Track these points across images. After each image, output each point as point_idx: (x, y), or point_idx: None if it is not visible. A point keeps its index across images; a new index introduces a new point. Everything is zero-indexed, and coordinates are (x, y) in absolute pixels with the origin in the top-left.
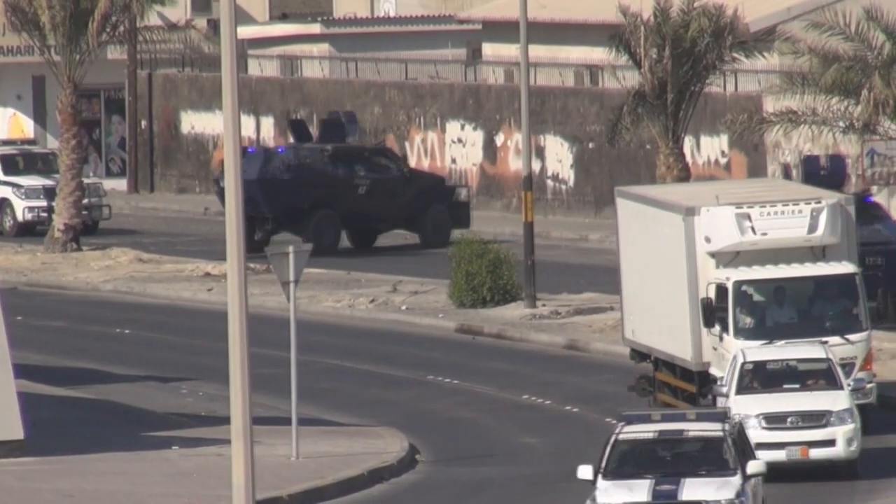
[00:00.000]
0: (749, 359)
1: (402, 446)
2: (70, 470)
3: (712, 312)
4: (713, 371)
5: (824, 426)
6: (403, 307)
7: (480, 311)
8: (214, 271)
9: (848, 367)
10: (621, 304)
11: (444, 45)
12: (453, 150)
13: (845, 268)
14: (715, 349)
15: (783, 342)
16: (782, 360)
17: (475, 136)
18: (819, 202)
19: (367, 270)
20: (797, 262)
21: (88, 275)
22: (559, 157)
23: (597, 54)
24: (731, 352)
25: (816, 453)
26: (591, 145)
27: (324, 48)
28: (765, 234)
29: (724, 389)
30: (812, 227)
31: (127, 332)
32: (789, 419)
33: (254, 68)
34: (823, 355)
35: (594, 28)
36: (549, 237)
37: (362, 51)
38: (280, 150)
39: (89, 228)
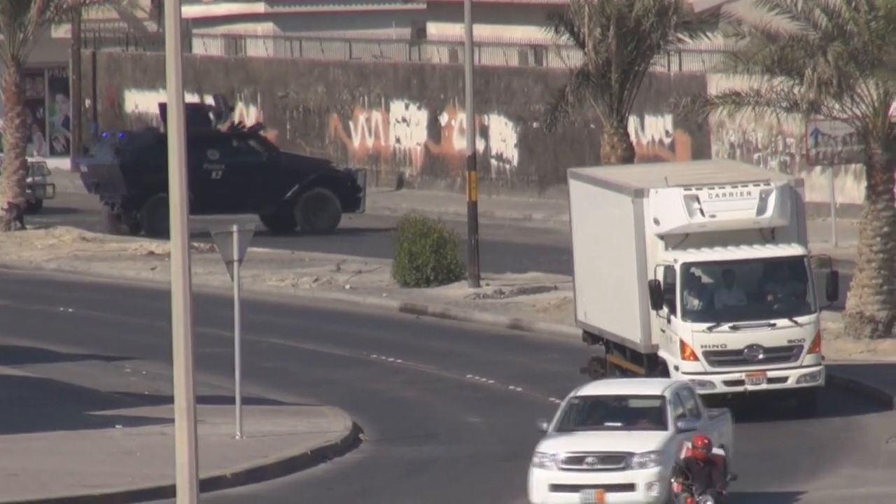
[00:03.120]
0: (579, 394)
1: (345, 425)
2: (13, 448)
3: (660, 295)
4: (662, 354)
5: (623, 469)
6: (347, 286)
7: (424, 291)
8: (158, 250)
9: (797, 349)
10: (573, 286)
11: (388, 24)
12: (397, 129)
13: (794, 250)
14: (663, 332)
15: (729, 325)
16: (611, 396)
17: (419, 116)
18: (768, 184)
19: (311, 250)
20: (746, 245)
21: (32, 253)
22: (503, 136)
23: (541, 34)
24: (680, 334)
25: (614, 498)
26: (535, 125)
27: (268, 27)
28: (713, 215)
29: (545, 426)
30: (761, 209)
31: (70, 310)
32: (587, 460)
33: (198, 47)
34: (658, 392)
35: (538, 8)
36: (494, 217)
37: (307, 30)
38: (121, 135)
39: (33, 207)
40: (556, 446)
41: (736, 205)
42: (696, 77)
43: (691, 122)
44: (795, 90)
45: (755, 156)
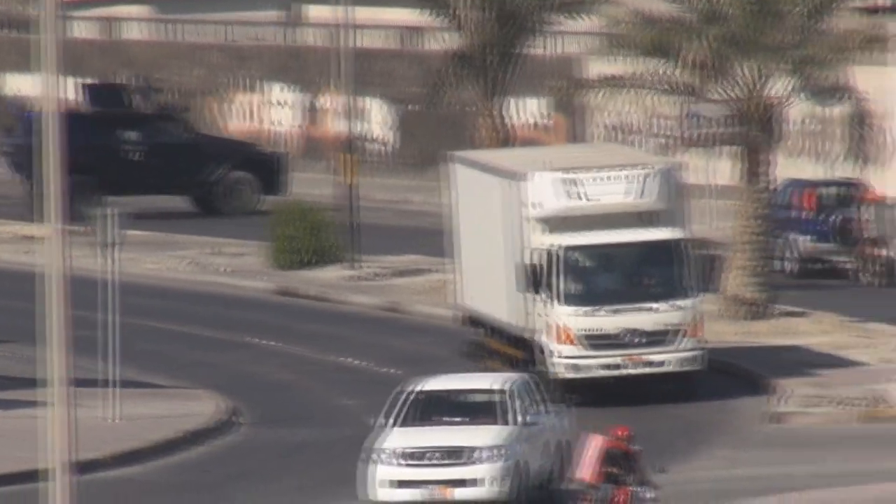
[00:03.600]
0: (418, 388)
1: (221, 408)
2: None
3: (538, 278)
4: (540, 338)
5: (466, 463)
6: (224, 269)
7: (301, 273)
8: (34, 233)
9: (675, 333)
10: (456, 270)
11: (265, 6)
12: (274, 112)
13: (673, 233)
14: (542, 315)
15: (608, 309)
16: (453, 391)
17: (296, 98)
18: (647, 168)
19: (188, 233)
20: (625, 228)
21: None
22: (381, 119)
23: (419, 16)
24: (558, 318)
25: (459, 493)
26: (412, 108)
27: (144, 10)
28: (593, 199)
29: (383, 421)
30: (640, 193)
31: None
32: (429, 455)
33: (76, 30)
34: (499, 387)
35: None
36: (371, 199)
37: (184, 13)
38: (28, 114)
39: None
40: (397, 441)
41: (615, 188)
42: (574, 59)
43: (568, 104)
44: (672, 72)
45: (632, 138)
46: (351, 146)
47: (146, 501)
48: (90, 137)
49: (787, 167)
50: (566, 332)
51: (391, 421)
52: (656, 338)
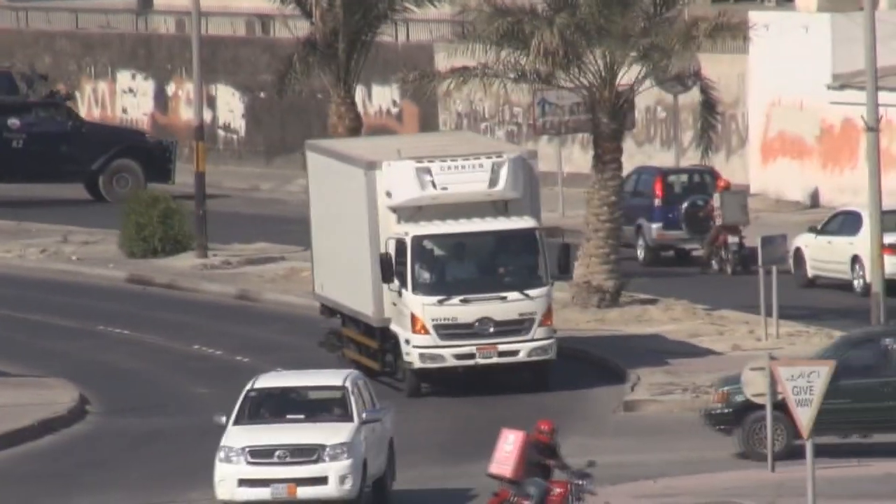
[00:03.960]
0: (256, 385)
1: (72, 397)
2: None
3: (391, 268)
4: (394, 327)
5: (315, 462)
6: (74, 257)
7: (151, 262)
8: None
9: (528, 323)
10: (311, 259)
11: None
12: (124, 99)
13: (526, 222)
14: (395, 305)
15: (460, 298)
16: (292, 388)
17: (146, 86)
18: (500, 156)
19: (38, 220)
20: (478, 217)
21: None
22: (230, 106)
23: (268, 4)
24: (410, 307)
25: (305, 492)
26: (262, 95)
27: None
28: (445, 188)
29: (223, 419)
30: (493, 182)
31: None
32: (277, 453)
33: None
34: (339, 383)
35: None
36: (221, 187)
37: (34, 0)
38: None
39: None
40: (242, 439)
41: (468, 177)
42: (424, 47)
43: (418, 92)
44: (523, 60)
45: (482, 125)
46: (201, 134)
47: None
48: None
49: (638, 155)
50: (419, 321)
51: (233, 418)
52: (509, 327)
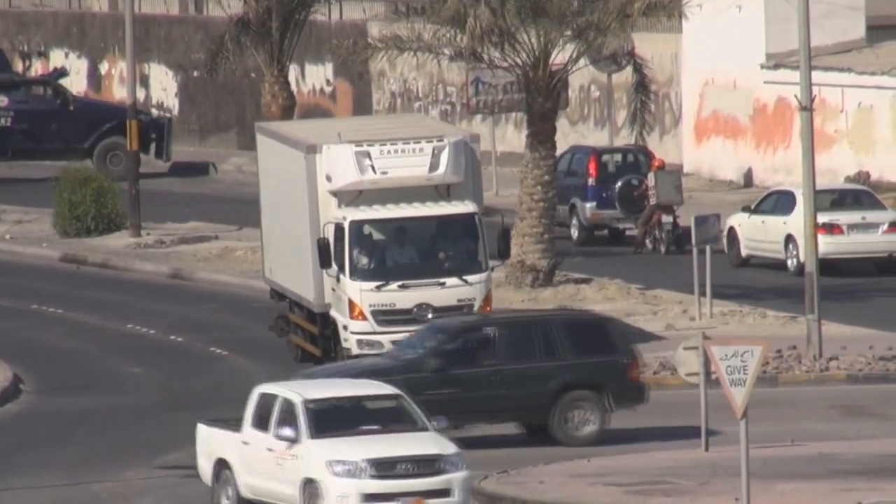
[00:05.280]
0: (311, 396)
1: (5, 376)
2: None
3: (329, 253)
4: (333, 313)
5: (437, 473)
6: (7, 236)
7: (85, 241)
8: None
9: (467, 308)
10: (261, 242)
11: None
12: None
13: (465, 207)
14: (334, 291)
15: (398, 284)
16: (347, 398)
17: (80, 65)
18: (441, 140)
19: None
20: (419, 202)
21: None
22: (164, 85)
23: None
24: (348, 293)
25: None
26: (195, 74)
27: None
28: (385, 172)
29: (290, 433)
30: (433, 166)
31: None
32: (400, 466)
33: None
34: (391, 392)
35: None
36: (154, 165)
37: None
38: None
39: None
40: (355, 452)
41: (408, 161)
42: (358, 25)
43: (352, 71)
44: (458, 38)
45: (416, 104)
46: (134, 113)
47: None
48: None
49: (572, 134)
50: (356, 307)
51: (304, 431)
52: (448, 313)
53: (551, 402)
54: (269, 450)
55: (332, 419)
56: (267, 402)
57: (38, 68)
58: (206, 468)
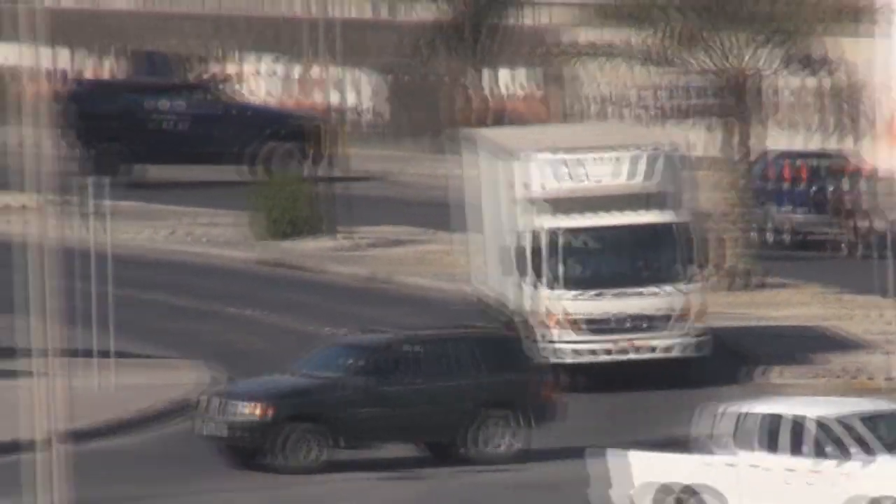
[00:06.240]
0: (847, 412)
1: (202, 378)
2: None
3: (526, 261)
4: (531, 322)
5: None
6: (205, 239)
7: (280, 243)
8: (14, 202)
9: (666, 318)
10: (467, 249)
11: None
12: (254, 82)
13: (665, 216)
14: (532, 299)
15: (597, 293)
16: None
17: (280, 69)
18: (641, 148)
19: (170, 203)
20: (617, 210)
21: None
22: (361, 89)
23: None
24: (545, 301)
25: None
26: (391, 78)
27: None
28: (583, 180)
29: (861, 452)
30: (632, 174)
31: None
32: None
33: None
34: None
35: None
36: (351, 169)
37: None
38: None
39: None
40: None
41: (606, 169)
42: (552, 30)
43: (547, 76)
44: (650, 43)
45: (610, 108)
46: (331, 117)
47: (135, 471)
48: (120, 106)
49: (770, 138)
50: (555, 316)
51: (872, 450)
52: (646, 322)
53: (469, 420)
54: (790, 470)
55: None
56: (773, 421)
57: (203, 72)
58: (639, 497)
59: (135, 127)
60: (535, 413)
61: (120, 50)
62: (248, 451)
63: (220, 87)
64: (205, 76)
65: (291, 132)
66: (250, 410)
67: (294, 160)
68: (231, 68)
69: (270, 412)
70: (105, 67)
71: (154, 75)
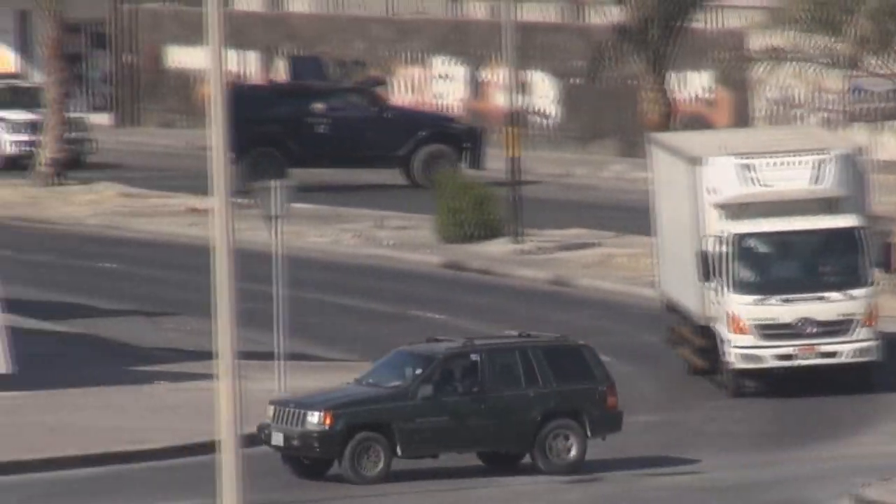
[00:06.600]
0: None
1: None
2: (55, 404)
3: (710, 266)
4: (715, 326)
5: None
6: (389, 242)
7: (465, 247)
8: (200, 206)
9: (849, 323)
10: (655, 253)
11: None
12: (438, 85)
13: (849, 221)
14: (716, 304)
15: (781, 298)
16: None
17: (460, 72)
18: (825, 153)
19: (352, 206)
20: (801, 216)
21: (73, 209)
22: (544, 92)
23: None
24: (729, 306)
25: None
26: (575, 81)
27: None
28: (768, 185)
29: None
30: (817, 179)
31: (113, 266)
32: None
33: (239, 2)
34: None
35: None
36: (534, 172)
37: None
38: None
39: (74, 163)
40: None
41: (791, 174)
42: (736, 33)
43: (731, 79)
44: (835, 46)
45: (795, 112)
46: (514, 119)
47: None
48: (276, 110)
49: None
50: (739, 321)
51: None
52: (831, 328)
53: (533, 430)
54: None
55: None
56: None
57: (358, 76)
58: None
59: (290, 131)
60: (598, 422)
61: (288, 53)
62: (314, 460)
63: (376, 90)
64: (368, 79)
65: (446, 135)
66: (318, 420)
67: (449, 164)
68: (416, 71)
69: (334, 421)
70: (274, 71)
71: (310, 78)
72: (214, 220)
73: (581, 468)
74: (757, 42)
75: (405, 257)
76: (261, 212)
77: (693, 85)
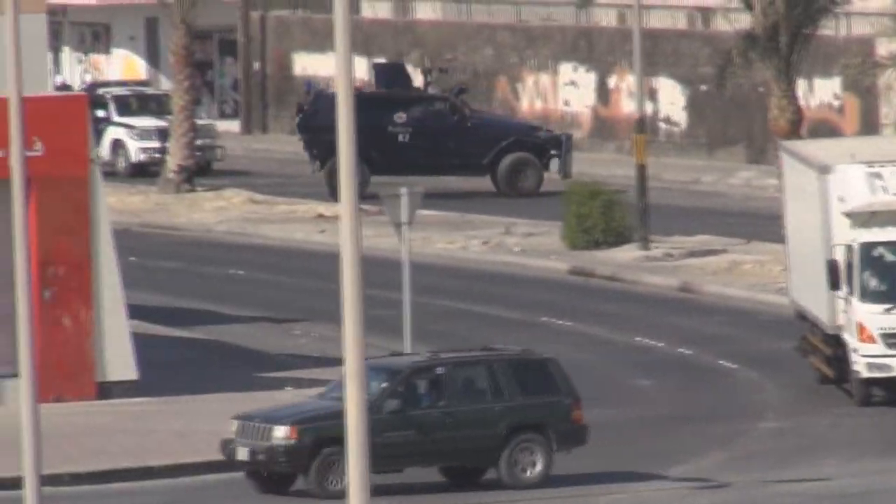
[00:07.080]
0: None
1: None
2: (183, 410)
3: (838, 274)
4: (844, 336)
5: None
6: (516, 249)
7: (593, 254)
8: (327, 212)
9: None
10: (786, 261)
11: None
12: (566, 92)
13: None
14: (844, 313)
15: None
16: None
17: (588, 79)
18: None
19: (480, 212)
20: None
21: (202, 216)
22: (672, 99)
23: None
24: (857, 315)
25: None
26: (703, 88)
27: None
28: None
29: None
30: None
31: (240, 272)
32: None
33: (367, 10)
34: None
35: None
36: (662, 179)
37: None
38: (307, 86)
39: (202, 169)
40: None
41: None
42: (864, 40)
43: (860, 85)
44: None
45: None
46: (642, 126)
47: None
48: (359, 118)
49: None
50: (865, 330)
51: None
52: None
53: (501, 444)
54: None
55: None
56: None
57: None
58: None
59: (372, 139)
60: (564, 436)
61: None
62: (279, 476)
63: (458, 98)
64: (458, 87)
65: (531, 144)
66: (285, 434)
67: (534, 172)
68: (544, 78)
69: (300, 436)
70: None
71: (395, 86)
72: (341, 227)
73: (547, 482)
74: (885, 48)
75: (532, 264)
76: (390, 218)
77: (821, 92)
